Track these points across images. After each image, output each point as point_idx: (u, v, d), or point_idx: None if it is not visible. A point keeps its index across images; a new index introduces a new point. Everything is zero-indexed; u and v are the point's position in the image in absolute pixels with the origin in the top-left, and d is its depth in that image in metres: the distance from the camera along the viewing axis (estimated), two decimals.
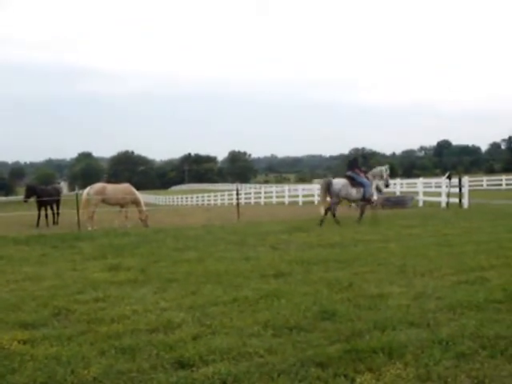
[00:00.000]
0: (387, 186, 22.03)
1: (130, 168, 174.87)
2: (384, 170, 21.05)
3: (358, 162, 21.33)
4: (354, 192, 19.80)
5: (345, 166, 21.99)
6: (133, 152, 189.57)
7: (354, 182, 19.82)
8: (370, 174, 20.64)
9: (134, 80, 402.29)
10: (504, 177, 57.39)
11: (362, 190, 19.89)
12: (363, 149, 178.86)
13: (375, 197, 20.54)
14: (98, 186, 23.05)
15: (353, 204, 28.98)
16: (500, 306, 6.65)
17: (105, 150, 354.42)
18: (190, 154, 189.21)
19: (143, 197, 23.60)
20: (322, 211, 19.45)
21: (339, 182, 19.84)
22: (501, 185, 53.79)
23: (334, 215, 19.27)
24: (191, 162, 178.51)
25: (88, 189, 22.63)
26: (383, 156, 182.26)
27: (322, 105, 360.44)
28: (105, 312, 6.96)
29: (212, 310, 6.92)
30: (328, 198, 20.16)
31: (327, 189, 19.82)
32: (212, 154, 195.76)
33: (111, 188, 23.06)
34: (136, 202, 23.01)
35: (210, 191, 78.10)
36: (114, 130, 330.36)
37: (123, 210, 22.99)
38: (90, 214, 21.69)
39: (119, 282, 8.97)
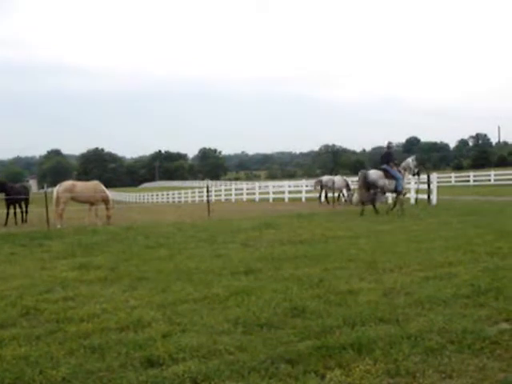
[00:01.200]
0: (414, 174, 23.44)
1: (99, 165, 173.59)
2: (411, 161, 22.48)
3: (393, 156, 22.07)
4: (388, 183, 21.03)
5: (379, 159, 23.43)
6: (103, 149, 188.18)
7: (388, 175, 21.11)
8: (402, 168, 21.91)
9: (105, 77, 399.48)
10: (472, 173, 58.17)
11: (394, 182, 21.06)
12: (333, 145, 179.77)
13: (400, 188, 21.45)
14: (68, 183, 22.76)
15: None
16: (467, 301, 6.73)
17: (74, 147, 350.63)
18: (160, 151, 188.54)
19: (113, 194, 23.43)
20: (358, 202, 21.45)
21: (375, 173, 21.27)
22: (469, 181, 54.45)
23: (373, 205, 20.97)
24: (162, 160, 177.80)
25: (57, 187, 22.36)
26: (353, 153, 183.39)
27: (293, 102, 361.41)
28: (74, 311, 6.90)
29: (182, 307, 6.90)
30: (364, 190, 21.44)
31: (364, 181, 21.16)
32: (183, 151, 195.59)
33: (80, 186, 22.80)
34: (105, 200, 22.83)
35: (180, 188, 77.88)
36: (84, 128, 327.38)
37: (93, 207, 22.80)
38: (59, 212, 21.49)
39: (89, 280, 8.91)
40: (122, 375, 4.71)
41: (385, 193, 21.88)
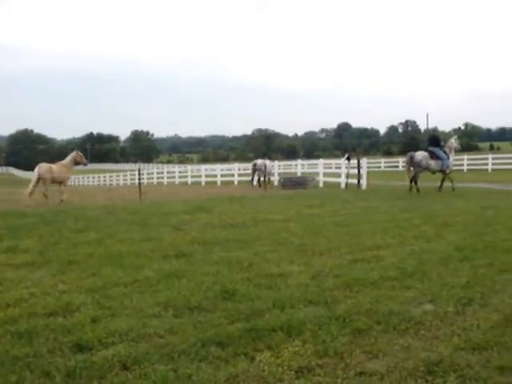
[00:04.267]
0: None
1: (29, 147, 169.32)
2: (454, 141, 24.16)
3: (439, 139, 24.06)
4: (433, 163, 22.84)
5: (426, 142, 25.30)
6: (32, 130, 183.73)
7: (433, 155, 22.88)
8: (447, 147, 23.71)
9: (36, 56, 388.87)
10: (401, 159, 59.30)
11: (440, 162, 22.92)
12: (266, 130, 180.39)
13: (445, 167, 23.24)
14: (47, 165, 23.76)
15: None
16: (394, 283, 6.90)
17: (2, 128, 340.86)
18: (92, 133, 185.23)
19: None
20: (410, 180, 22.80)
21: (420, 154, 23.06)
22: (397, 166, 55.65)
23: (415, 183, 22.57)
24: (93, 142, 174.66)
25: (37, 168, 23.32)
26: (286, 137, 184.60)
27: (226, 86, 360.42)
28: (0, 296, 6.74)
29: (112, 291, 6.83)
30: (412, 169, 23.25)
31: (410, 161, 23.09)
32: (114, 133, 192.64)
33: (55, 167, 23.78)
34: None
35: (112, 171, 76.84)
36: (13, 108, 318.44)
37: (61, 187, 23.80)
38: (44, 191, 22.87)
39: (16, 264, 8.69)
40: (50, 361, 4.63)
41: (434, 172, 23.61)
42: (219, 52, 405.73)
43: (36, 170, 23.42)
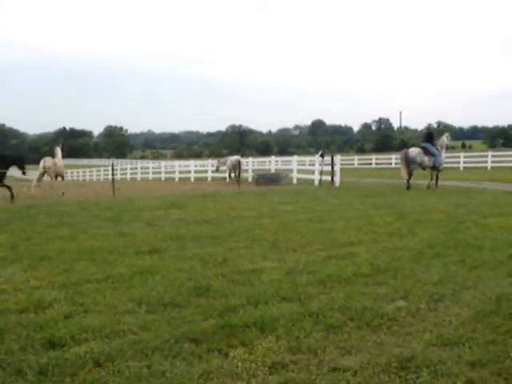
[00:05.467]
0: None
1: (0, 141, 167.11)
2: (445, 138, 24.65)
3: (432, 136, 24.21)
4: (427, 160, 23.02)
5: (421, 138, 25.18)
6: (4, 125, 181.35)
7: (426, 152, 23.07)
8: (439, 145, 23.93)
9: (11, 47, 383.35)
10: (374, 156, 59.97)
11: (432, 158, 23.12)
12: (240, 126, 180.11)
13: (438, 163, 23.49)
14: (51, 159, 25.47)
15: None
16: (367, 280, 6.94)
17: None
18: (64, 128, 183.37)
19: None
20: (405, 177, 22.84)
21: (414, 151, 23.23)
22: (371, 164, 56.06)
23: (409, 178, 22.61)
24: (66, 137, 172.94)
25: (42, 162, 25.36)
26: (260, 134, 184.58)
27: (200, 81, 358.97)
28: None
29: (85, 287, 6.79)
30: (408, 166, 23.01)
31: (405, 158, 23.04)
32: (88, 128, 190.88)
33: (57, 161, 25.48)
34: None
35: (85, 166, 76.27)
36: None
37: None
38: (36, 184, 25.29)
39: None
40: (22, 358, 4.58)
41: (424, 168, 23.71)
42: (193, 48, 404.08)
43: (41, 163, 25.18)
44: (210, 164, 41.94)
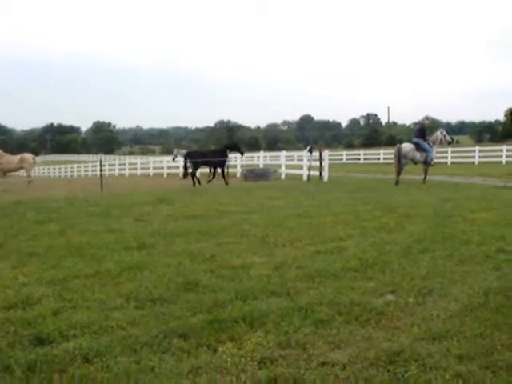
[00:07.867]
0: (449, 142, 26.48)
1: None
2: (439, 133, 24.59)
3: (424, 131, 24.13)
4: (418, 155, 23.29)
5: (413, 133, 25.20)
6: None
7: (418, 147, 23.29)
8: (431, 141, 24.00)
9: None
10: (362, 151, 60.29)
11: (424, 154, 23.32)
12: (229, 121, 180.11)
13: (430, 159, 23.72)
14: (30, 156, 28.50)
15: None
16: (356, 274, 6.95)
17: None
18: (52, 123, 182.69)
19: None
20: (396, 173, 22.99)
21: (407, 146, 23.53)
22: (359, 159, 56.30)
23: (398, 174, 22.83)
24: (54, 133, 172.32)
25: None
26: (248, 129, 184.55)
27: (188, 77, 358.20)
28: None
29: (73, 283, 6.76)
30: (401, 161, 23.36)
31: (398, 153, 23.26)
32: (76, 124, 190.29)
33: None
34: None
35: (73, 162, 76.05)
36: None
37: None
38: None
39: None
40: (10, 355, 4.55)
41: (416, 163, 24.00)
42: (181, 44, 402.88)
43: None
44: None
